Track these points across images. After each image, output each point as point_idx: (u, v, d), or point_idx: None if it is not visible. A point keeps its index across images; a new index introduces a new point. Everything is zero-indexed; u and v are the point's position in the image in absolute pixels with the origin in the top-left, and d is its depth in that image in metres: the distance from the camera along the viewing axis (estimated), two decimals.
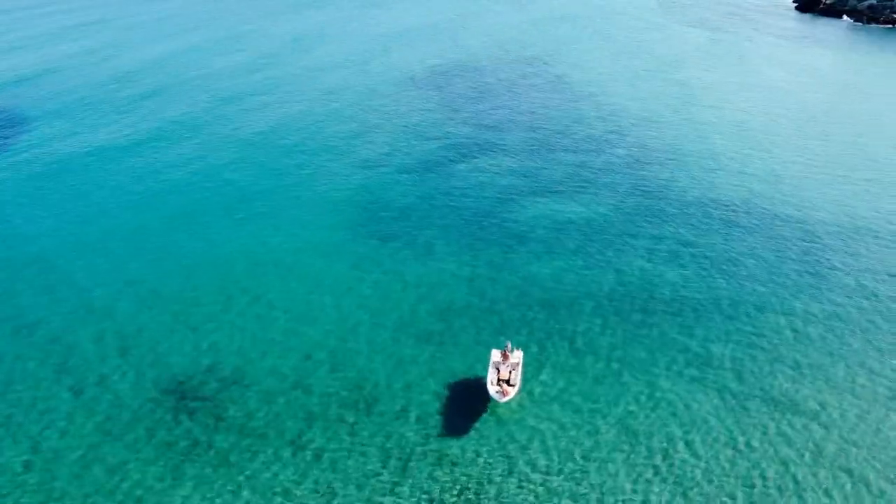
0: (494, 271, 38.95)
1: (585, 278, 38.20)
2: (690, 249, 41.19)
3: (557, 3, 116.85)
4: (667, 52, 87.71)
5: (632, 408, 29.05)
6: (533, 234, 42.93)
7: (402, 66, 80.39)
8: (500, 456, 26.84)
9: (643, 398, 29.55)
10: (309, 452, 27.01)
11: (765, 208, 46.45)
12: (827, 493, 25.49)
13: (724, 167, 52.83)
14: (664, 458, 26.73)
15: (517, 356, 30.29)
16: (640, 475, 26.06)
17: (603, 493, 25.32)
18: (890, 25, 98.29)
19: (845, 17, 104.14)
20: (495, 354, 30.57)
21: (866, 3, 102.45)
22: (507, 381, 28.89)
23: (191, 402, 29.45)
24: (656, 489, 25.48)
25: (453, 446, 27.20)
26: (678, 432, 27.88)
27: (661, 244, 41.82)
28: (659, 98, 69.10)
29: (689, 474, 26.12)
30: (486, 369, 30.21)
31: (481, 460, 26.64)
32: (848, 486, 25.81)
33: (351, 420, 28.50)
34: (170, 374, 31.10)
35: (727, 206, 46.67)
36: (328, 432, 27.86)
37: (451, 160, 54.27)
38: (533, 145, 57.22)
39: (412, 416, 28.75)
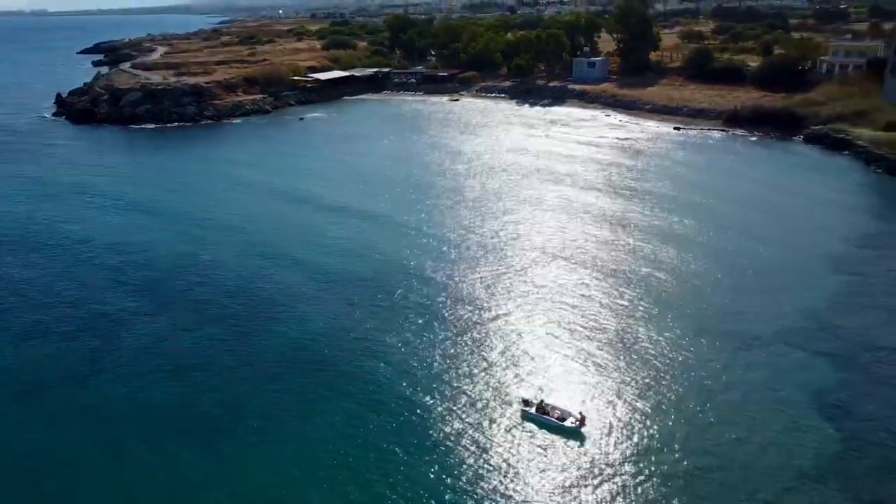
0: (373, 411, 34.62)
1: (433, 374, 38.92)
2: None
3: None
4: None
5: None
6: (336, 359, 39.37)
7: None
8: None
9: None
10: None
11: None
12: None
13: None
14: None
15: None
16: None
17: None
18: (178, 123, 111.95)
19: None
20: (526, 405, 32.62)
21: (143, 108, 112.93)
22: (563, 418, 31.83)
23: None
24: None
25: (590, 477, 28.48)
26: None
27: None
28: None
29: None
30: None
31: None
32: None
33: None
34: None
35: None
36: None
37: (134, 336, 40.52)
38: (183, 291, 48.78)
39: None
